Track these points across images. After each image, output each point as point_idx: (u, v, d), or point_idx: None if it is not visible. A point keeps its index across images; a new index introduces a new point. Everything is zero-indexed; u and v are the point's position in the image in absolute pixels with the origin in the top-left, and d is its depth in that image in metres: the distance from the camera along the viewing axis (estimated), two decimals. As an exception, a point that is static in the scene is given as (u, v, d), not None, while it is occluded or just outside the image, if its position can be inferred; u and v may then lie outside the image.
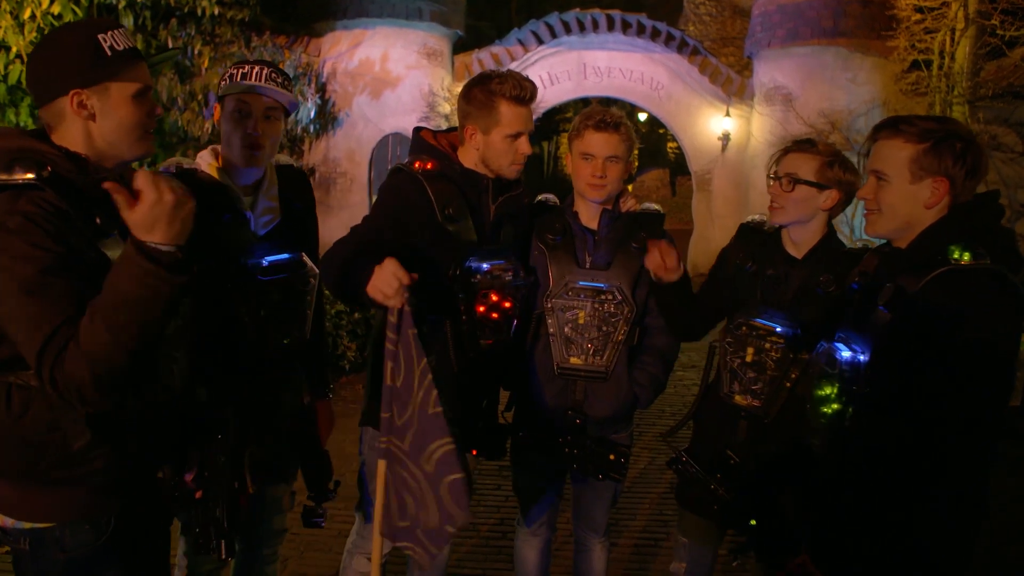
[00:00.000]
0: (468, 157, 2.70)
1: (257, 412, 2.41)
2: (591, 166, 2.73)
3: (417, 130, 2.81)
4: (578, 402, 2.80)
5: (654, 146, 26.61)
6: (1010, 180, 10.28)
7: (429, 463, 2.10)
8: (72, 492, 1.86)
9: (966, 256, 1.91)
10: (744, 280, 2.67)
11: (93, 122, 1.83)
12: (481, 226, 2.67)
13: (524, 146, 2.65)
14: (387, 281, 2.15)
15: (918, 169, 2.00)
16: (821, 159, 2.53)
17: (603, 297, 2.75)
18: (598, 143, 2.72)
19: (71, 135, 1.84)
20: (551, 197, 2.96)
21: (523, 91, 2.60)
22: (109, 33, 1.82)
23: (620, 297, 2.75)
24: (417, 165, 2.63)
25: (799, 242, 2.61)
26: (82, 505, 1.88)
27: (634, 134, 2.83)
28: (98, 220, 1.77)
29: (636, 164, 27.03)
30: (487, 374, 2.80)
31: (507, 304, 2.66)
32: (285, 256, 2.42)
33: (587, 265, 2.79)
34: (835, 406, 2.10)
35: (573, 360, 2.77)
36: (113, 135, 1.85)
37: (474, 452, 2.81)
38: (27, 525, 1.86)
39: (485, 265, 2.62)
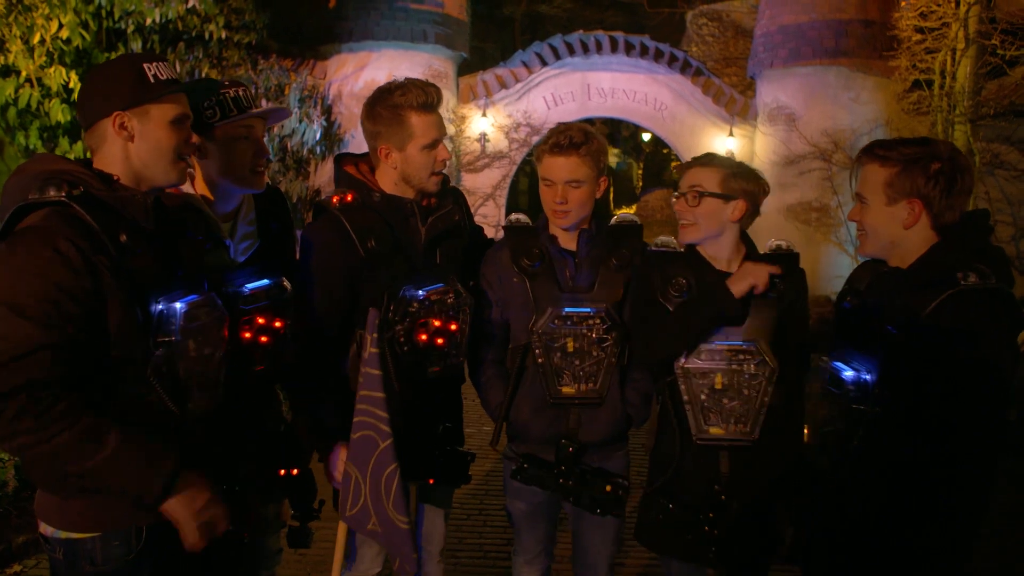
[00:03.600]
0: (387, 179, 2.59)
1: (239, 434, 2.37)
2: (551, 192, 2.60)
3: (339, 158, 2.69)
4: (572, 430, 2.68)
5: (658, 166, 26.69)
6: (1013, 198, 10.30)
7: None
8: (99, 503, 1.92)
9: (972, 277, 1.95)
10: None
11: (132, 143, 1.93)
12: (413, 251, 2.57)
13: (443, 152, 2.56)
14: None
15: (891, 192, 2.07)
16: (723, 171, 2.46)
17: (590, 322, 2.61)
18: (556, 167, 2.58)
19: (111, 156, 1.94)
20: (522, 217, 2.81)
21: (429, 97, 2.51)
22: (154, 64, 1.94)
23: (608, 321, 2.62)
24: (336, 200, 2.53)
25: (719, 257, 2.53)
26: (110, 517, 1.94)
27: (601, 150, 2.63)
28: (124, 238, 1.85)
29: (641, 185, 27.09)
30: (440, 400, 2.71)
31: (453, 327, 2.58)
32: (265, 282, 2.37)
33: (570, 289, 2.66)
34: (839, 426, 2.10)
35: (565, 389, 2.65)
36: (149, 157, 1.95)
37: (431, 480, 2.70)
38: (63, 535, 1.94)
39: (421, 292, 2.52)
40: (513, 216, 2.81)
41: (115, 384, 1.88)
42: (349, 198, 2.53)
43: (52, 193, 1.79)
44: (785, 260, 2.48)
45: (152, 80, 1.92)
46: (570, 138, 2.56)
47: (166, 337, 1.93)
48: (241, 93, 2.32)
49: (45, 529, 1.97)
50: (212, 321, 2.06)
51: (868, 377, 2.06)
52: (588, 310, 2.62)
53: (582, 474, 2.65)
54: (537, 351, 2.64)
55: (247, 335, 2.29)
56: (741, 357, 2.41)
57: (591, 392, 2.65)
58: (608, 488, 2.64)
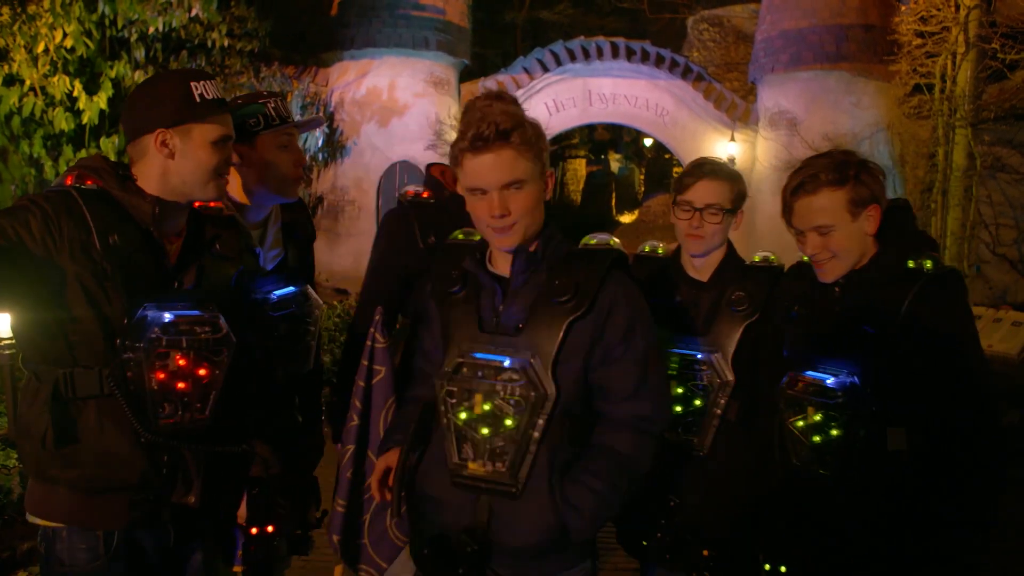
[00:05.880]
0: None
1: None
2: (485, 203, 1.88)
3: (428, 167, 2.80)
4: (481, 523, 1.91)
5: (660, 171, 26.70)
6: (1015, 201, 10.31)
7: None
8: (63, 493, 1.90)
9: (927, 264, 2.05)
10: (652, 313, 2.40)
11: (172, 160, 1.95)
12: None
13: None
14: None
15: (854, 207, 2.09)
16: (731, 184, 2.44)
17: (505, 376, 1.86)
18: (484, 170, 1.87)
19: (148, 170, 1.97)
20: (472, 231, 2.11)
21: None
22: (202, 83, 1.96)
23: (525, 378, 1.85)
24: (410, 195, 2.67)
25: (701, 266, 2.47)
26: (74, 509, 1.91)
27: (534, 135, 1.88)
28: (113, 239, 1.86)
29: (643, 190, 27.12)
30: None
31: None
32: (292, 290, 2.42)
33: (494, 328, 1.94)
34: (834, 432, 2.08)
35: (472, 466, 1.90)
36: (188, 175, 1.97)
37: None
38: (38, 520, 1.94)
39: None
40: (462, 232, 2.17)
41: (80, 367, 1.87)
42: (425, 194, 2.69)
43: (64, 182, 1.87)
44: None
45: (198, 99, 1.93)
46: (495, 126, 1.84)
47: (136, 343, 1.88)
48: (281, 103, 2.40)
49: (29, 517, 1.97)
50: (210, 341, 2.00)
51: (853, 380, 2.07)
52: (501, 359, 1.89)
53: None
54: (442, 408, 1.95)
55: (271, 342, 2.33)
56: (695, 368, 2.43)
57: (500, 475, 1.88)
58: None
